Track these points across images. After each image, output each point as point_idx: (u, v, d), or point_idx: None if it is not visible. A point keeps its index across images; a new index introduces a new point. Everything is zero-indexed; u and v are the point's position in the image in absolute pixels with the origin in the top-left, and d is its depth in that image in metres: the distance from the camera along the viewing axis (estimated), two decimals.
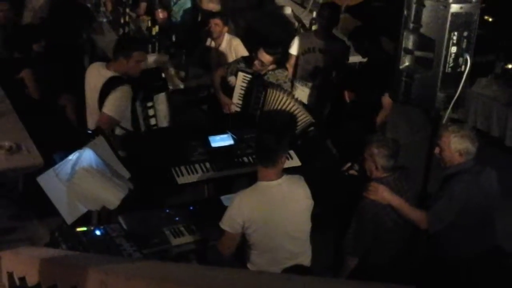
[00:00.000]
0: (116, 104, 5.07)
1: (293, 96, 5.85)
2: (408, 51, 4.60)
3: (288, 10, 9.49)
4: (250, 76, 5.99)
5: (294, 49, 6.74)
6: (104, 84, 5.10)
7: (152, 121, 5.38)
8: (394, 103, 5.51)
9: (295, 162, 5.27)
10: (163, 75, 6.23)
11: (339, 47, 6.68)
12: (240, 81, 6.02)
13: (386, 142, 4.50)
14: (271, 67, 6.05)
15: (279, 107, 5.73)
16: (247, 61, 6.12)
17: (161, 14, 8.17)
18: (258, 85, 5.89)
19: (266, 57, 5.96)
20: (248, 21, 9.25)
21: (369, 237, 4.42)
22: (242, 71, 6.03)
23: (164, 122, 5.44)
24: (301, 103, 5.77)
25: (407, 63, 4.66)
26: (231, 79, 6.15)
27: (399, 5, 4.64)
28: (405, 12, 4.57)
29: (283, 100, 5.74)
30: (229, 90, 6.15)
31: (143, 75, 5.34)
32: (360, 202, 4.43)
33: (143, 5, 8.41)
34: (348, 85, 6.36)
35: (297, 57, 6.70)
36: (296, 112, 5.69)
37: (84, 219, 4.45)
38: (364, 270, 4.46)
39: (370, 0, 10.77)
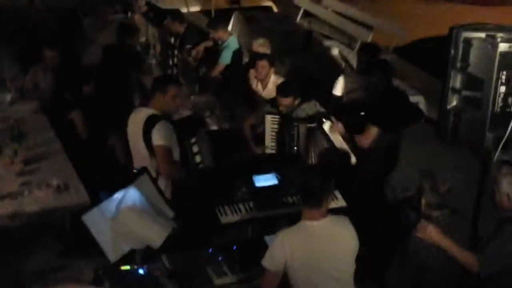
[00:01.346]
0: (162, 133, 5.08)
1: (324, 128, 5.81)
2: (455, 91, 4.55)
3: (335, 51, 9.55)
4: (277, 116, 5.98)
5: (338, 90, 6.71)
6: (144, 123, 5.15)
7: (197, 159, 5.41)
8: (443, 143, 5.43)
9: (340, 202, 5.20)
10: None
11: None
12: (269, 124, 6.00)
13: (435, 180, 4.42)
14: (296, 103, 6.00)
15: (314, 141, 5.73)
16: (275, 103, 6.09)
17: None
18: (288, 124, 5.86)
19: (285, 101, 5.94)
20: (295, 63, 9.32)
21: (412, 273, 4.30)
22: (269, 113, 6.02)
23: (208, 160, 5.47)
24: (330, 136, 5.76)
25: (454, 103, 4.60)
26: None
27: (445, 45, 4.61)
28: (452, 52, 4.54)
29: (316, 135, 5.74)
30: (262, 137, 6.13)
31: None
32: (407, 238, 4.33)
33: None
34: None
35: (341, 97, 6.67)
36: (329, 145, 5.67)
37: (128, 258, 4.47)
38: None
39: (418, 40, 10.76)
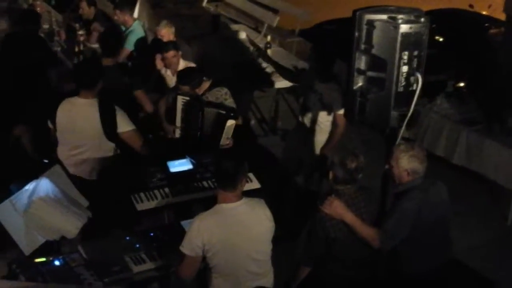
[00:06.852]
0: (126, 118, 5.37)
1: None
2: (360, 72, 4.67)
3: (243, 35, 9.59)
4: (187, 98, 6.02)
5: None
6: (100, 112, 5.23)
7: None
8: (349, 123, 5.58)
9: (254, 184, 5.29)
10: None
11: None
12: (180, 104, 6.05)
13: (346, 153, 4.50)
14: (206, 85, 6.13)
15: (216, 124, 5.84)
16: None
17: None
18: (196, 106, 5.93)
19: (183, 88, 6.05)
20: (203, 46, 9.32)
21: (320, 247, 4.42)
22: (180, 94, 6.07)
23: None
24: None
25: (360, 84, 4.73)
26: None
27: (350, 27, 4.73)
28: (356, 34, 4.64)
29: (219, 117, 5.84)
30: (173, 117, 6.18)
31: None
32: (315, 213, 4.45)
33: (95, 34, 8.37)
34: None
35: None
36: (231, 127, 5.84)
37: (43, 250, 4.39)
38: (324, 283, 4.45)
39: (322, 23, 10.98)
